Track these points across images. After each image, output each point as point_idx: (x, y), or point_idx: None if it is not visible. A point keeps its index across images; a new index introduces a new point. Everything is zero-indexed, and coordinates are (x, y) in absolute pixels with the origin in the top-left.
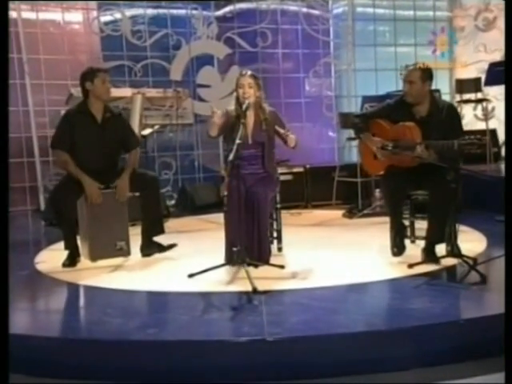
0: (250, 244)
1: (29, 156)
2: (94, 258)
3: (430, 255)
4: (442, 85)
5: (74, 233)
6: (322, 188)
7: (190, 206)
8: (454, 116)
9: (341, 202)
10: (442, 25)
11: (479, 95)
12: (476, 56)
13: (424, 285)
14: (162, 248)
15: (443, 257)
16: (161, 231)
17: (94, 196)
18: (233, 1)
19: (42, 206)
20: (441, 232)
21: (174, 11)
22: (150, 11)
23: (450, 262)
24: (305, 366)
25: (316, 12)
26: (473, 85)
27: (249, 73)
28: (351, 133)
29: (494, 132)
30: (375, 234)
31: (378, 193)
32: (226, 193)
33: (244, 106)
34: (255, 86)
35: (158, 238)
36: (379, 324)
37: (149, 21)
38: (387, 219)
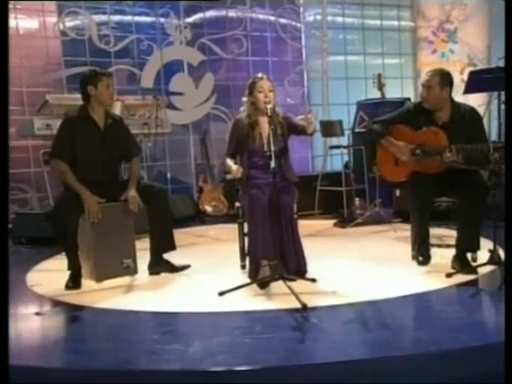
0: (282, 257)
1: None
2: (99, 278)
3: (464, 264)
4: (408, 93)
5: (77, 252)
6: (304, 197)
7: None
8: (477, 120)
9: (322, 211)
10: (406, 35)
11: None
12: (438, 66)
13: (477, 295)
14: (173, 268)
15: (481, 265)
16: (171, 247)
17: (92, 212)
18: (202, 7)
19: None
20: (475, 239)
21: (145, 16)
22: (118, 15)
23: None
24: None
25: (288, 20)
26: None
27: (265, 76)
28: (330, 141)
29: None
30: (379, 243)
31: (357, 201)
32: (238, 204)
33: (269, 111)
34: (274, 90)
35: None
36: (470, 340)
37: (116, 25)
38: (381, 228)
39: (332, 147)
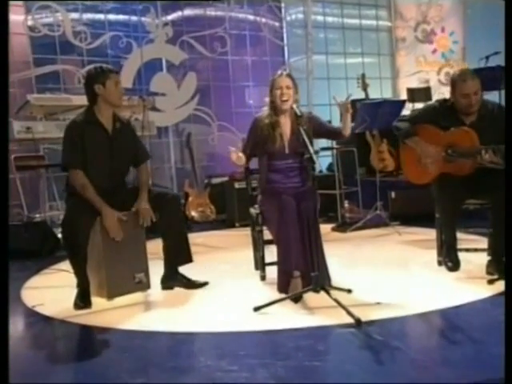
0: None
1: None
2: (111, 294)
3: (503, 269)
4: (386, 93)
5: (86, 267)
6: None
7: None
8: (504, 117)
9: None
10: (384, 34)
11: None
12: (417, 66)
13: None
14: (189, 284)
15: None
16: (188, 259)
17: (114, 230)
18: (180, 6)
19: None
20: None
21: (120, 14)
22: (90, 12)
23: None
24: None
25: (269, 19)
26: (423, 94)
27: (285, 73)
28: (320, 142)
29: None
30: (388, 247)
31: (347, 204)
32: (254, 210)
33: (298, 111)
34: (294, 88)
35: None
36: None
37: (91, 22)
38: (382, 231)
39: (324, 149)
